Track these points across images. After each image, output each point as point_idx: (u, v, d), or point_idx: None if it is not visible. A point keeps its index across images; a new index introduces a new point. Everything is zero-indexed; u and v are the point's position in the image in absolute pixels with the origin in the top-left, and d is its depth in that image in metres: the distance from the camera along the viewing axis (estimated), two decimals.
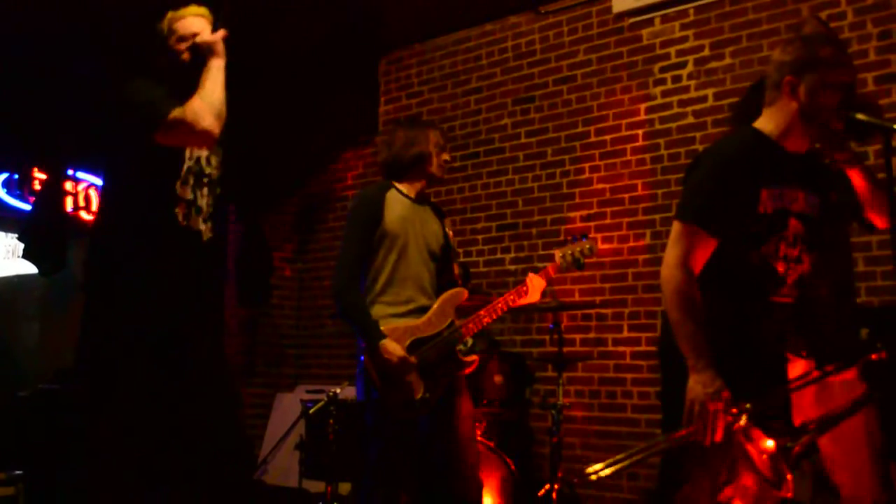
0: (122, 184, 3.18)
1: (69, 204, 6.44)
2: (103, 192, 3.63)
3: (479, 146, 6.37)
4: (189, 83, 3.04)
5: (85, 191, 6.53)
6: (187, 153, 3.12)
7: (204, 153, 3.17)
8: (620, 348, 5.47)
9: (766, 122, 2.66)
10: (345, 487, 5.09)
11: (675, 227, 2.58)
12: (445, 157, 3.95)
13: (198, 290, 3.15)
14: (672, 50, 5.54)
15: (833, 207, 3.07)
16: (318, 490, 5.13)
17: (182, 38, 3.13)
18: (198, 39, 3.10)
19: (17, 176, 6.46)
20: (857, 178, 2.92)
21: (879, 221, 2.91)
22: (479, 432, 4.75)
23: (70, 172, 6.46)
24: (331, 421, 4.95)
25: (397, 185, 3.90)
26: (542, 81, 6.09)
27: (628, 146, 5.62)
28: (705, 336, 2.45)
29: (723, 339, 2.50)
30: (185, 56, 3.11)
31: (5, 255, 6.83)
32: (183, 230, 3.09)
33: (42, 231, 5.98)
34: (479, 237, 6.24)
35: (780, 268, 2.58)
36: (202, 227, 3.14)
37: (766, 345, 2.60)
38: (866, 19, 4.85)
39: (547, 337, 5.53)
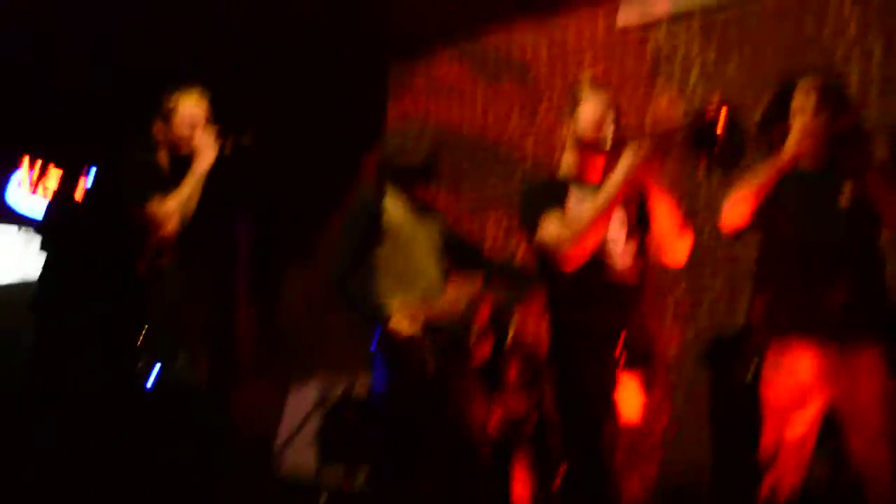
0: None
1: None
2: None
3: (486, 153, 6.48)
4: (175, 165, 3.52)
5: None
6: None
7: None
8: None
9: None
10: (363, 477, 5.15)
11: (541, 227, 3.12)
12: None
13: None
14: (677, 59, 5.68)
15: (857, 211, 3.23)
16: (336, 480, 5.20)
17: (181, 123, 3.55)
18: (194, 143, 3.50)
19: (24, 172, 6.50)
20: (873, 185, 3.15)
21: None
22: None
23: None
24: (348, 411, 5.03)
25: (397, 189, 3.90)
26: (548, 90, 6.24)
27: None
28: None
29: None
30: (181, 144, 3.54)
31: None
32: None
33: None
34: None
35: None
36: None
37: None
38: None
39: None
